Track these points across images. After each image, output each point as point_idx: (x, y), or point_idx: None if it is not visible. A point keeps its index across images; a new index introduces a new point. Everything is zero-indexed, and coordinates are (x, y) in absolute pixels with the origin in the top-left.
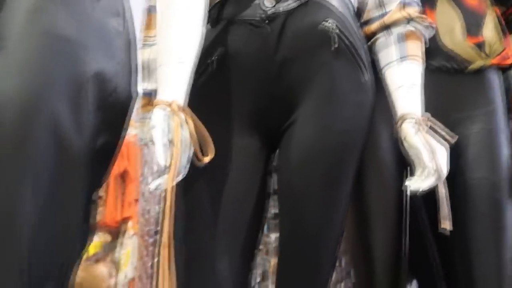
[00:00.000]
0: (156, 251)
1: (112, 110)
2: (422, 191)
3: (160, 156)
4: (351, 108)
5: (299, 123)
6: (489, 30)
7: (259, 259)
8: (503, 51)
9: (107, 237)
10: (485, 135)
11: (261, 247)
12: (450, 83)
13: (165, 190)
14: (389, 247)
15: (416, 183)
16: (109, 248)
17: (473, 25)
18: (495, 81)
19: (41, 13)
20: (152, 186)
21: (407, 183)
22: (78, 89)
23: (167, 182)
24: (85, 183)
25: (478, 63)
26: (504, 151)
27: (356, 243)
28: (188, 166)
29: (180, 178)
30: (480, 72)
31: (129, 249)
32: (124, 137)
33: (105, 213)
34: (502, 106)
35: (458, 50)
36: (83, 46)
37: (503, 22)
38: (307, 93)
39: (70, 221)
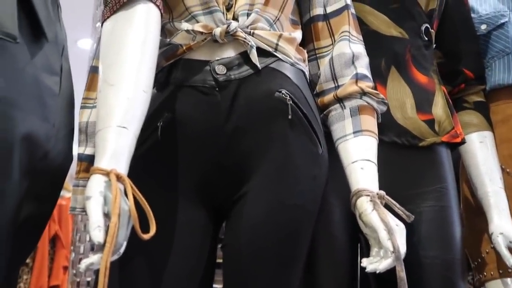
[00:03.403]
0: None
1: (42, 178)
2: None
3: (94, 231)
4: (305, 181)
5: (250, 197)
6: (439, 108)
7: None
8: (452, 129)
9: None
10: (438, 212)
11: None
12: (401, 159)
13: (98, 270)
14: None
15: (373, 265)
16: None
17: (423, 102)
18: (446, 158)
19: None
20: (83, 266)
21: (363, 264)
22: (3, 152)
23: (101, 262)
24: (4, 261)
25: (430, 140)
26: (457, 229)
27: None
28: (125, 243)
29: (116, 257)
30: (431, 148)
31: None
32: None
33: (31, 281)
34: (453, 184)
35: (409, 126)
36: (13, 105)
37: (450, 101)
38: (259, 164)
39: None
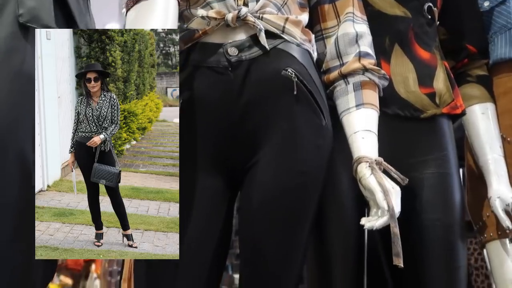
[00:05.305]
0: None
1: None
2: (376, 229)
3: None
4: (310, 150)
5: (260, 165)
6: (440, 82)
7: None
8: (452, 101)
9: (68, 280)
10: (438, 178)
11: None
12: (404, 129)
13: None
14: (349, 286)
15: (370, 222)
16: None
17: (425, 76)
18: (446, 128)
19: (12, 53)
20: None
21: (362, 222)
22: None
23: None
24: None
25: (430, 112)
26: (457, 194)
27: (317, 283)
28: None
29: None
30: (433, 120)
31: None
32: None
33: None
34: (454, 153)
35: (411, 99)
36: None
37: (452, 75)
38: (268, 136)
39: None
